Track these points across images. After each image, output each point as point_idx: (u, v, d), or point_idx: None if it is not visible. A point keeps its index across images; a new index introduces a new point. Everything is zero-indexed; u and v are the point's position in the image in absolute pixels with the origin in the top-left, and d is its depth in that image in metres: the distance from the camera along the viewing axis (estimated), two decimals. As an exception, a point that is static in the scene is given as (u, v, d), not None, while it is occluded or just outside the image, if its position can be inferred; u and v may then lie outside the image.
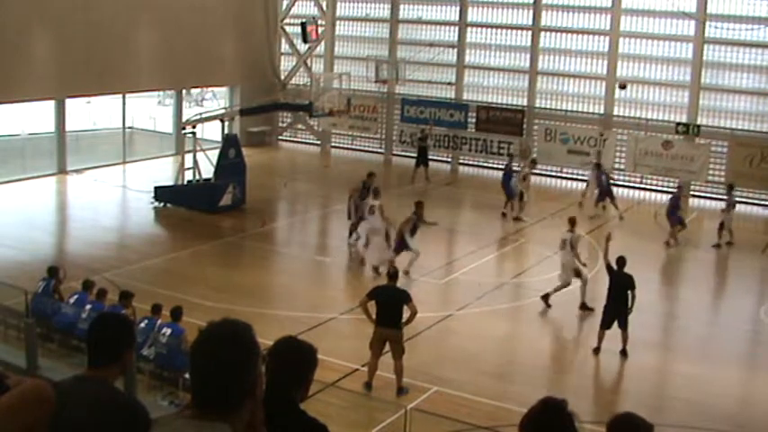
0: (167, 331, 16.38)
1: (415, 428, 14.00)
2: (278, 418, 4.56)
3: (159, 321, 16.86)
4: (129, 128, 40.28)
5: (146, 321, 16.77)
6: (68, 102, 35.82)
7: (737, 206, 30.30)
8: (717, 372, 18.81)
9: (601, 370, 19.06)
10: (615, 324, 18.87)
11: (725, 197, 30.27)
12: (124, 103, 38.48)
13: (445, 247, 28.84)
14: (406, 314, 16.55)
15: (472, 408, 16.14)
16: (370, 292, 17.06)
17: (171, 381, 16.07)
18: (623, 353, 18.98)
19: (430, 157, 37.23)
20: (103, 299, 17.80)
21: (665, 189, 36.80)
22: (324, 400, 14.27)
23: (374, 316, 16.56)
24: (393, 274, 17.27)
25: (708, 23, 35.48)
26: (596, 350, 19.07)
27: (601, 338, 19.03)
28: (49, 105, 35.44)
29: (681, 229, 28.53)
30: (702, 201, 35.92)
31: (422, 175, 36.32)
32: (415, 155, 37.31)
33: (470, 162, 39.83)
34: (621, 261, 19.28)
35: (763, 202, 35.37)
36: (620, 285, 18.92)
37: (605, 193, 31.80)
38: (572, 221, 22.52)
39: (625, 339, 18.95)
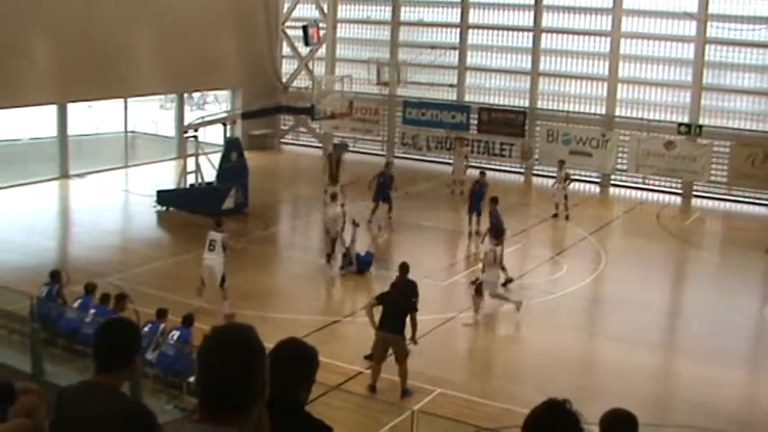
0: (176, 334, 16.53)
1: (421, 430, 14.02)
2: (284, 421, 4.54)
3: (163, 326, 16.93)
4: (131, 132, 40.22)
5: (149, 325, 16.81)
6: (70, 106, 35.80)
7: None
8: (720, 371, 18.79)
9: (604, 371, 19.04)
10: None
11: (555, 173, 32.22)
12: (126, 108, 38.46)
13: (448, 249, 28.84)
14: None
15: (476, 409, 16.16)
16: (378, 296, 17.10)
17: (175, 385, 16.09)
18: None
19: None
20: (107, 303, 17.84)
21: (667, 189, 36.81)
22: (328, 403, 14.29)
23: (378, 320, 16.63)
24: (403, 267, 17.46)
25: (709, 24, 35.47)
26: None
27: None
28: (51, 110, 35.42)
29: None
30: (705, 201, 35.93)
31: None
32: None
33: (473, 164, 39.39)
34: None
35: (764, 202, 35.36)
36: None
37: None
38: None
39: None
